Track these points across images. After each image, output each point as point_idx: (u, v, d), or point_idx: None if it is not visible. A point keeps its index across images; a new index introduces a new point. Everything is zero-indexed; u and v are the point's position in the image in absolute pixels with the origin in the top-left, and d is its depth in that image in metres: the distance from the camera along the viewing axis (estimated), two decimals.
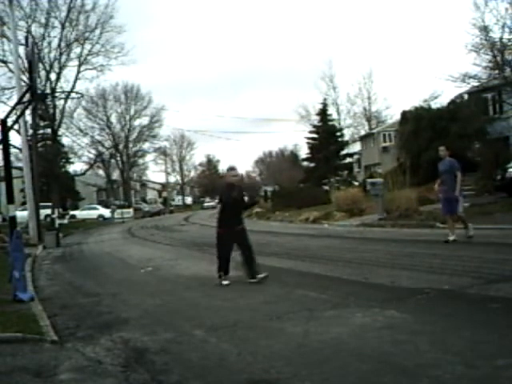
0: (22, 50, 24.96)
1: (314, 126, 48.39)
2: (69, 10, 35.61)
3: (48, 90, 34.53)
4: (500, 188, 19.95)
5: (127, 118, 64.39)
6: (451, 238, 11.10)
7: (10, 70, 30.67)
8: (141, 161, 70.45)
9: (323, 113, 47.92)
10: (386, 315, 5.70)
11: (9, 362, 5.07)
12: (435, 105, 30.48)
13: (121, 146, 64.22)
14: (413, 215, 17.85)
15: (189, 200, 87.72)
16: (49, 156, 36.45)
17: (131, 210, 51.13)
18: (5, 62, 32.25)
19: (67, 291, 9.63)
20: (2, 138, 9.54)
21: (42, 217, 25.90)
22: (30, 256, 15.10)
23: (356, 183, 37.56)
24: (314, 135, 47.32)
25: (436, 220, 16.31)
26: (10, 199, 9.24)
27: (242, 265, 8.60)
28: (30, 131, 27.08)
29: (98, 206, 51.94)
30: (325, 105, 48.75)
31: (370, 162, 46.30)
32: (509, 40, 20.91)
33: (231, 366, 4.62)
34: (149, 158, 70.35)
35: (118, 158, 64.24)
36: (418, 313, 5.80)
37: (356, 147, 52.50)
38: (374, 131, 48.90)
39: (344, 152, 47.98)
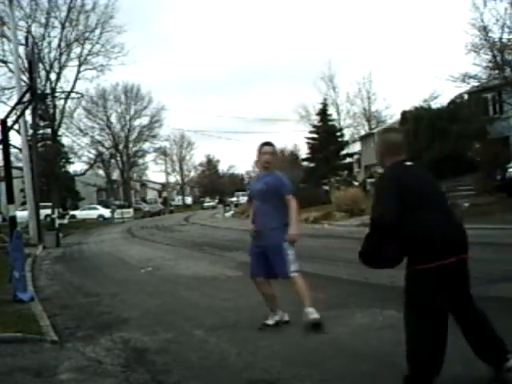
0: (22, 49, 24.96)
1: (314, 126, 48.35)
2: (69, 10, 35.58)
3: (48, 90, 34.48)
4: (500, 188, 19.95)
5: (127, 118, 64.41)
6: (274, 319, 5.78)
7: (10, 70, 30.65)
8: (141, 161, 70.50)
9: (323, 113, 47.88)
10: (386, 315, 5.69)
11: (9, 362, 5.07)
12: (435, 105, 30.58)
13: (121, 146, 64.21)
14: None
15: (189, 200, 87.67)
16: (49, 156, 36.40)
17: (131, 210, 51.10)
18: (5, 62, 32.25)
19: (67, 291, 9.63)
20: (2, 138, 9.56)
21: (42, 217, 25.88)
22: (29, 256, 15.10)
23: (356, 183, 37.54)
24: (314, 135, 47.28)
25: None
26: (10, 199, 9.26)
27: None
28: (30, 131, 27.06)
29: (98, 206, 51.91)
30: (325, 105, 48.72)
31: (370, 162, 46.21)
32: (509, 40, 20.89)
33: (231, 366, 4.63)
34: (149, 158, 70.43)
35: (118, 158, 64.22)
36: None
37: (356, 147, 52.44)
38: (374, 131, 48.84)
39: (344, 152, 47.95)
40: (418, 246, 3.40)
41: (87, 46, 37.52)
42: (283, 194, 5.70)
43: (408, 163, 3.69)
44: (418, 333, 3.40)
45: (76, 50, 37.46)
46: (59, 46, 36.02)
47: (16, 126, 19.22)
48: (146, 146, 66.88)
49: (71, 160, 50.75)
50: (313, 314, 5.43)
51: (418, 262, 3.39)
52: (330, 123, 48.26)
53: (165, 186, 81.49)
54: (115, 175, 67.58)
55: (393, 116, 52.10)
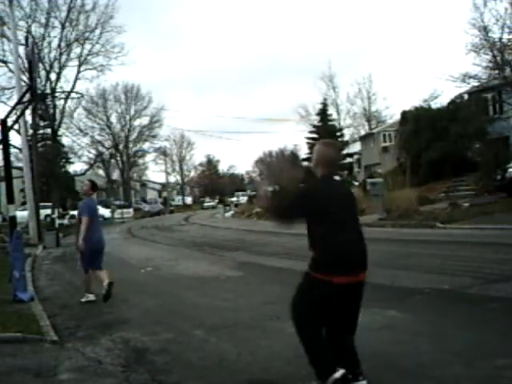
0: (22, 50, 24.93)
1: (314, 126, 48.40)
2: (69, 10, 35.55)
3: (48, 90, 34.44)
4: (500, 188, 19.95)
5: (127, 117, 64.40)
6: (91, 297, 8.17)
7: (10, 70, 30.61)
8: (141, 161, 70.53)
9: (323, 113, 47.94)
10: (386, 315, 5.70)
11: (9, 362, 5.07)
12: (435, 105, 30.46)
13: (121, 146, 64.22)
14: (413, 215, 17.86)
15: (189, 200, 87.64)
16: (49, 156, 36.41)
17: (131, 210, 51.04)
18: (5, 62, 32.20)
19: (67, 291, 9.64)
20: (2, 138, 9.54)
21: (42, 217, 25.88)
22: (30, 256, 15.10)
23: (356, 183, 37.54)
24: (314, 135, 47.33)
25: (436, 220, 16.32)
26: (10, 199, 9.24)
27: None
28: (30, 131, 27.05)
29: (98, 206, 51.69)
30: (325, 105, 48.77)
31: (370, 162, 46.25)
32: (509, 40, 20.89)
33: (231, 366, 4.63)
34: (149, 158, 70.46)
35: (118, 158, 64.24)
36: (418, 313, 5.80)
37: (356, 147, 52.40)
38: (374, 131, 48.83)
39: (344, 152, 47.97)
40: (322, 258, 3.57)
41: (87, 46, 37.50)
42: (80, 216, 8.51)
43: (336, 178, 3.87)
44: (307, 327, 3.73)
45: (76, 50, 37.44)
46: (59, 46, 36.00)
47: (16, 126, 19.20)
48: (146, 146, 66.97)
49: (71, 160, 50.76)
50: (85, 297, 8.12)
51: (320, 271, 3.55)
52: (330, 123, 48.33)
53: (165, 185, 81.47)
54: (115, 175, 67.57)
55: (393, 116, 52.05)
